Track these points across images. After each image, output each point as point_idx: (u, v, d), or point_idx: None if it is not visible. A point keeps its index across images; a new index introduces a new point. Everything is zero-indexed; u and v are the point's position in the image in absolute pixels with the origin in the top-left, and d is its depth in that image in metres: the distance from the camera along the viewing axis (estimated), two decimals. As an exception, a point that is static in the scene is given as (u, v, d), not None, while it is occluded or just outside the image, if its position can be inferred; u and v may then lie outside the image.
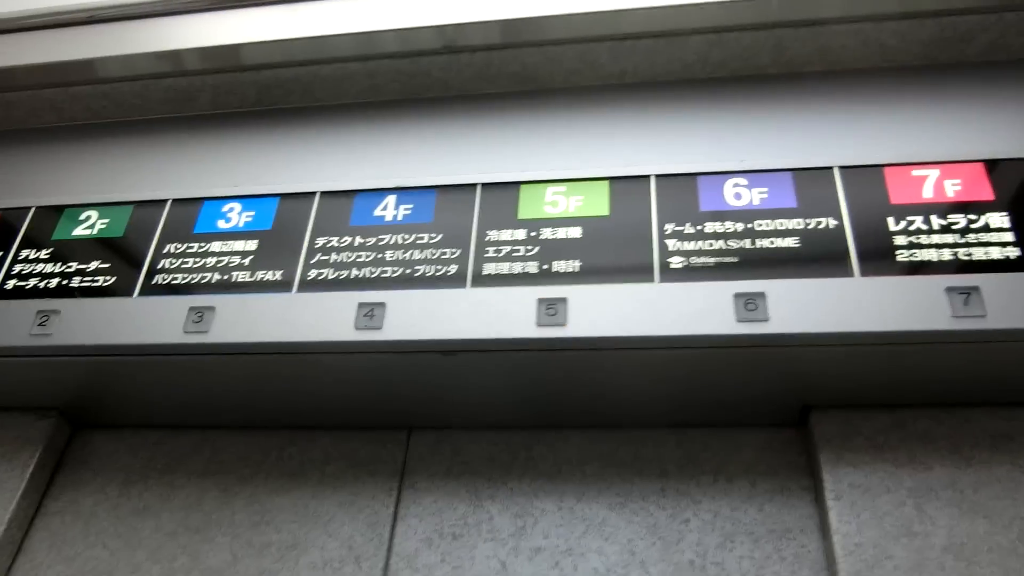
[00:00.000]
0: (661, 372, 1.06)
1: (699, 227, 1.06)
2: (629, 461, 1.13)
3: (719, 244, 1.04)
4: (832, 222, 1.04)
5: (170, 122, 1.42)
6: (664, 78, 1.30)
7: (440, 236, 1.11)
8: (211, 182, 1.27)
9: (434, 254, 1.10)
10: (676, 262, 1.04)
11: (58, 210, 1.27)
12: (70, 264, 1.21)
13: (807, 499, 1.06)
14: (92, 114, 1.46)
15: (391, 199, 1.17)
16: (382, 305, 1.06)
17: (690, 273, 1.02)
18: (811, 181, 1.08)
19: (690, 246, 1.05)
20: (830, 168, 1.08)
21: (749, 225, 1.05)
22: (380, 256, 1.11)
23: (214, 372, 1.13)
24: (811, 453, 1.08)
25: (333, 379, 1.13)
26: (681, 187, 1.10)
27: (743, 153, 1.14)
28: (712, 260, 1.03)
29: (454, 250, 1.10)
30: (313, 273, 1.11)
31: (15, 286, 1.20)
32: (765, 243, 1.04)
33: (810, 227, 1.04)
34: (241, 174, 1.27)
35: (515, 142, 1.23)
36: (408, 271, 1.09)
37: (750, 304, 0.98)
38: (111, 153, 1.39)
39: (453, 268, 1.08)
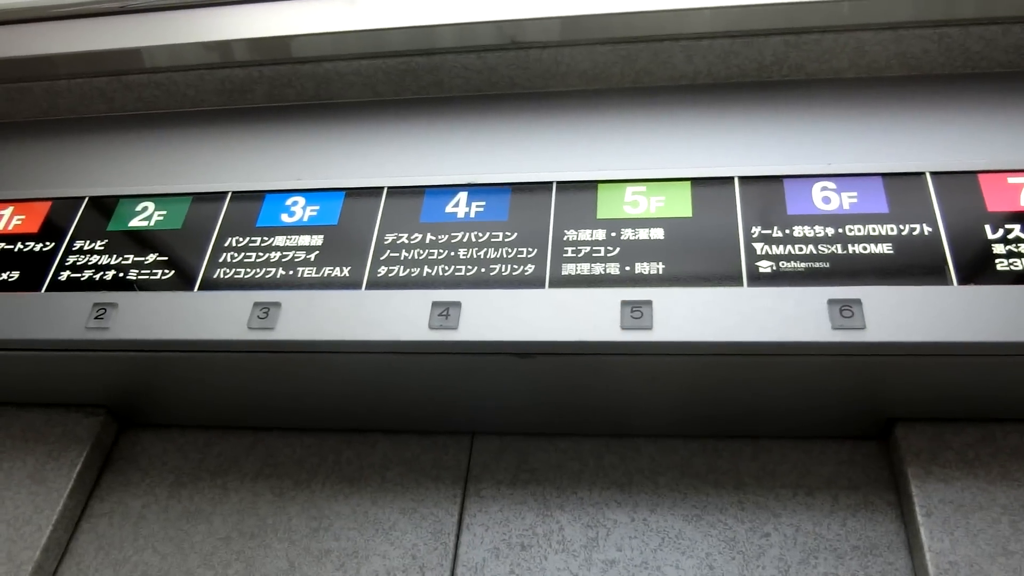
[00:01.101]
0: (744, 380, 1.02)
1: (787, 231, 1.02)
2: (703, 472, 1.09)
3: (809, 249, 1.01)
4: (927, 228, 1.00)
5: (225, 114, 1.39)
6: (738, 79, 1.27)
7: (515, 235, 1.08)
8: (272, 175, 1.23)
9: (510, 253, 1.06)
10: (765, 266, 1.00)
11: (113, 201, 1.23)
12: (126, 256, 1.17)
13: (892, 515, 1.02)
14: (143, 104, 1.43)
15: (462, 196, 1.13)
16: (457, 304, 1.02)
17: (780, 278, 0.99)
18: (902, 186, 1.04)
19: (779, 250, 1.01)
20: (922, 174, 1.04)
21: (840, 230, 1.02)
22: (453, 254, 1.07)
23: (276, 370, 1.09)
24: (896, 467, 1.04)
25: (399, 380, 1.09)
26: (766, 190, 1.06)
27: (828, 156, 1.10)
28: (803, 265, 1.00)
29: (531, 249, 1.06)
30: (383, 270, 1.07)
31: (69, 278, 1.16)
32: (857, 249, 1.00)
33: (903, 233, 1.01)
34: (302, 168, 1.24)
35: (587, 140, 1.20)
36: (483, 270, 1.05)
37: (846, 311, 0.95)
38: (165, 144, 1.36)
39: (530, 268, 1.04)
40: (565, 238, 1.06)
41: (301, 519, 1.12)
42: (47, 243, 1.20)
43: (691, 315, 0.98)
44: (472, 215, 1.11)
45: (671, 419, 1.10)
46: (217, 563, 1.10)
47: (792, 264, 1.00)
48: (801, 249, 1.01)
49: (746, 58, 1.24)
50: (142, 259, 1.16)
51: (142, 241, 1.18)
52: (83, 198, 1.25)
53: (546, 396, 1.09)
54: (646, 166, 1.14)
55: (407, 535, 1.08)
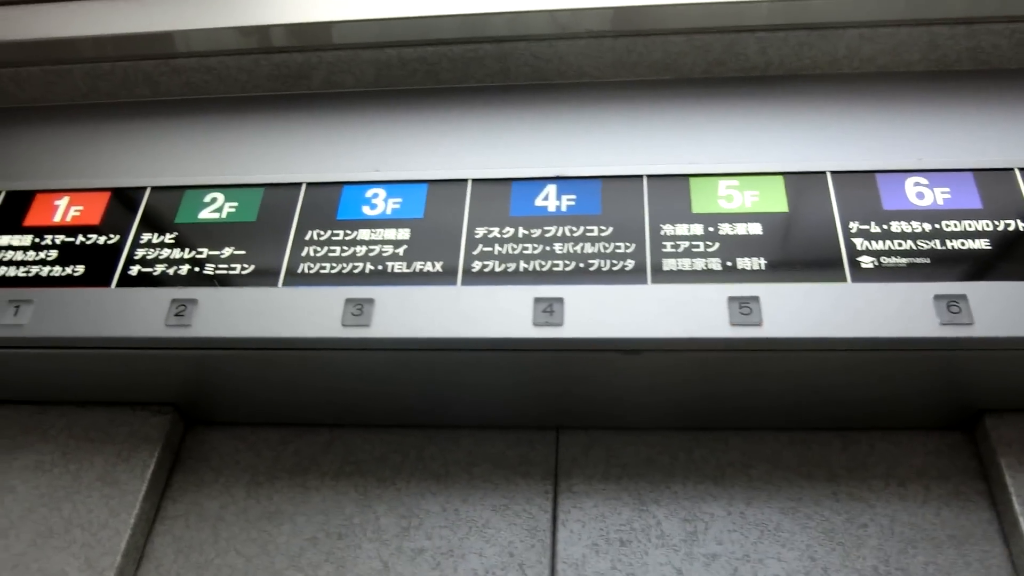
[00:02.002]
0: (841, 374, 1.03)
1: (885, 226, 1.03)
2: (795, 465, 1.10)
3: (908, 244, 1.02)
4: (1021, 224, 1.01)
5: (279, 100, 1.34)
6: (809, 71, 1.26)
7: (611, 229, 1.07)
8: (345, 165, 1.20)
9: (607, 248, 1.05)
10: (866, 262, 1.01)
11: (177, 192, 1.19)
12: (200, 250, 1.13)
13: (984, 504, 1.05)
14: (191, 89, 1.38)
15: (551, 189, 1.11)
16: (560, 301, 1.01)
17: (883, 273, 1.00)
18: (993, 182, 1.06)
19: (878, 245, 1.02)
20: (1011, 170, 1.06)
21: (936, 225, 1.03)
22: (548, 249, 1.06)
23: (367, 368, 1.07)
24: (986, 457, 1.06)
25: (491, 376, 1.08)
26: (860, 184, 1.07)
27: (914, 151, 1.11)
28: (903, 260, 1.01)
29: (628, 244, 1.05)
30: (477, 265, 1.06)
31: (140, 272, 1.12)
32: (955, 244, 1.01)
33: (999, 229, 1.02)
34: (375, 158, 1.21)
35: (673, 131, 1.18)
36: (581, 265, 1.04)
37: (953, 306, 0.96)
38: (219, 131, 1.31)
39: (630, 263, 1.04)
40: (662, 232, 1.06)
41: (390, 518, 1.11)
42: (111, 235, 1.16)
43: (799, 311, 0.98)
44: (564, 209, 1.09)
45: (761, 412, 1.11)
46: (306, 565, 1.08)
47: (894, 259, 1.01)
48: (900, 244, 1.02)
49: (820, 50, 1.24)
50: (217, 253, 1.12)
51: (215, 234, 1.14)
52: (144, 188, 1.20)
53: (639, 391, 1.09)
54: (730, 159, 1.14)
55: (502, 532, 1.08)
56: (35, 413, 1.22)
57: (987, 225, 1.03)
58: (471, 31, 1.28)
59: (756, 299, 0.99)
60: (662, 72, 1.28)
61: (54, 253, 1.16)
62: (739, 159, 1.13)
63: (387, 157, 1.20)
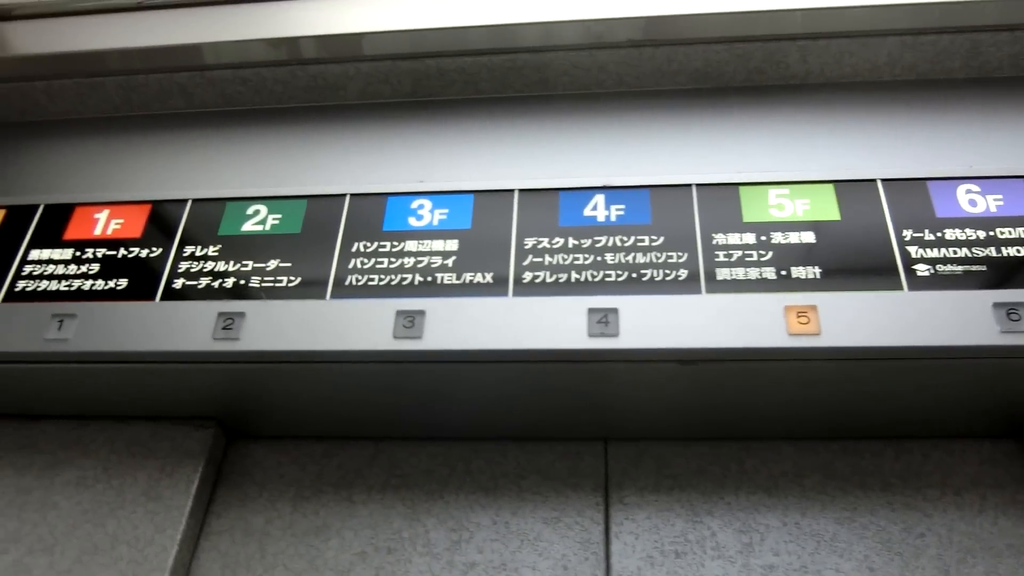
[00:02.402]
0: (898, 382, 1.02)
1: (939, 234, 1.03)
2: (848, 474, 1.09)
3: (963, 252, 1.01)
4: (1076, 231, 1.01)
5: (316, 111, 1.34)
6: (849, 79, 1.26)
7: (662, 239, 1.06)
8: (388, 177, 1.19)
9: (659, 257, 1.05)
10: (922, 270, 1.00)
11: (219, 204, 1.18)
12: (245, 262, 1.12)
13: (1040, 513, 1.04)
14: (225, 100, 1.37)
15: (599, 199, 1.11)
16: (615, 311, 1.00)
17: (939, 281, 0.99)
18: (1045, 188, 1.05)
19: (933, 253, 1.01)
20: (1062, 176, 1.06)
21: (991, 233, 1.03)
22: (600, 259, 1.05)
23: (418, 380, 1.06)
24: (1041, 465, 1.05)
25: (542, 388, 1.07)
26: (911, 192, 1.07)
27: (966, 159, 1.11)
28: (959, 268, 1.00)
29: (680, 253, 1.05)
30: (528, 276, 1.05)
31: (185, 285, 1.11)
32: (1011, 251, 1.01)
33: (1054, 235, 1.01)
34: (418, 168, 1.20)
35: (718, 140, 1.18)
36: (634, 275, 1.04)
37: (1012, 314, 0.96)
38: (257, 143, 1.31)
39: (683, 272, 1.03)
40: (714, 242, 1.05)
41: (439, 531, 1.09)
42: (154, 248, 1.15)
43: (857, 320, 0.97)
44: (613, 218, 1.09)
45: (813, 421, 1.10)
46: (356, 579, 1.06)
47: (949, 267, 1.00)
48: (955, 252, 1.01)
49: (861, 58, 1.24)
50: (263, 265, 1.11)
51: (259, 246, 1.13)
52: (186, 201, 1.19)
53: (689, 401, 1.08)
54: (778, 168, 1.13)
55: (554, 545, 1.07)
56: (74, 428, 1.21)
57: (1041, 232, 1.02)
58: (507, 42, 1.27)
59: (814, 308, 0.98)
60: (702, 81, 1.28)
61: (96, 267, 1.15)
62: (787, 167, 1.13)
63: (431, 168, 1.19)
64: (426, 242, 1.10)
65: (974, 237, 1.03)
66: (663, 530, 1.06)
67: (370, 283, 1.07)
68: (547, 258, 1.06)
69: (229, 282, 1.10)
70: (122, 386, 1.13)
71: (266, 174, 1.23)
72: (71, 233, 1.18)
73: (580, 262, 1.05)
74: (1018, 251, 1.01)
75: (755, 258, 1.03)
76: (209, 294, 1.09)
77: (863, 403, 1.07)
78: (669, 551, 1.05)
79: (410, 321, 1.03)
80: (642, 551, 1.05)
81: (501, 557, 1.06)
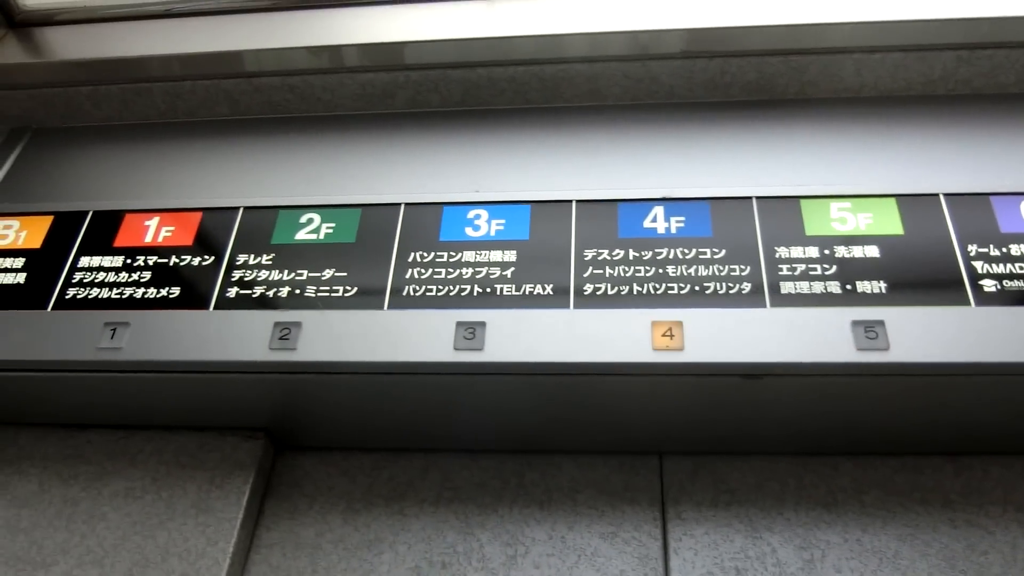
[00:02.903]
0: (965, 398, 1.01)
1: (1004, 249, 1.02)
2: (908, 490, 1.08)
3: (1029, 267, 1.00)
4: None
5: (364, 119, 1.33)
6: (903, 92, 1.26)
7: (724, 251, 1.05)
8: (443, 186, 1.18)
9: (721, 271, 1.04)
10: (989, 285, 0.99)
11: (271, 212, 1.17)
12: (299, 272, 1.11)
13: (1104, 531, 1.03)
14: (271, 107, 1.36)
15: (659, 210, 1.10)
16: (679, 324, 0.99)
17: (1007, 296, 0.99)
18: (1109, 204, 1.04)
19: (999, 269, 1.01)
20: None
21: (1057, 248, 1.02)
22: (662, 272, 1.04)
23: (477, 392, 1.05)
24: (1104, 483, 1.04)
25: (604, 401, 1.06)
26: (974, 206, 1.06)
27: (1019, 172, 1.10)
28: (1026, 284, 0.99)
29: (743, 267, 1.04)
30: (589, 288, 1.04)
31: (238, 294, 1.10)
32: (1078, 267, 1.00)
33: (1120, 252, 1.01)
34: (473, 178, 1.19)
35: (775, 152, 1.17)
36: (697, 288, 1.03)
37: (1083, 331, 0.94)
38: (305, 151, 1.30)
39: (747, 286, 1.02)
40: (777, 255, 1.04)
41: (494, 546, 1.08)
42: (206, 257, 1.14)
43: (925, 335, 0.96)
44: (673, 231, 1.08)
45: (871, 437, 1.09)
46: (411, 594, 1.05)
47: (1016, 283, 1.00)
48: (1021, 268, 1.00)
49: (916, 72, 1.23)
50: (318, 275, 1.10)
51: (314, 256, 1.12)
52: (237, 209, 1.18)
53: (748, 416, 1.07)
54: (837, 181, 1.13)
55: (612, 561, 1.05)
56: (120, 438, 1.19)
57: (1108, 248, 1.01)
58: (555, 52, 1.27)
59: (881, 323, 0.97)
60: (755, 93, 1.27)
61: (147, 275, 1.13)
62: (846, 181, 1.12)
63: (485, 178, 1.19)
64: (484, 253, 1.09)
65: (1040, 253, 1.02)
66: (722, 546, 1.05)
67: (428, 294, 1.06)
68: (607, 270, 1.05)
69: (284, 291, 1.09)
70: (171, 396, 1.12)
71: (316, 182, 1.23)
72: (121, 240, 1.17)
73: (642, 274, 1.04)
74: (1085, 267, 1.00)
75: (819, 272, 1.02)
76: (264, 303, 1.08)
77: (924, 418, 1.06)
78: (730, 567, 1.03)
79: (471, 332, 1.02)
80: (702, 567, 1.04)
81: (558, 572, 1.05)
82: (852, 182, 1.12)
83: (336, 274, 1.10)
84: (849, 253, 1.04)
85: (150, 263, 1.15)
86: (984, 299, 0.98)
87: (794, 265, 1.03)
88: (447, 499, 1.13)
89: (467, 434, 1.15)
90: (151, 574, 1.06)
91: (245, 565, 1.10)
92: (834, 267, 1.03)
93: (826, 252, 1.04)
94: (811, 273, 1.02)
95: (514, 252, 1.08)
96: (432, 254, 1.10)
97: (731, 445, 1.12)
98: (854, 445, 1.10)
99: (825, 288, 1.01)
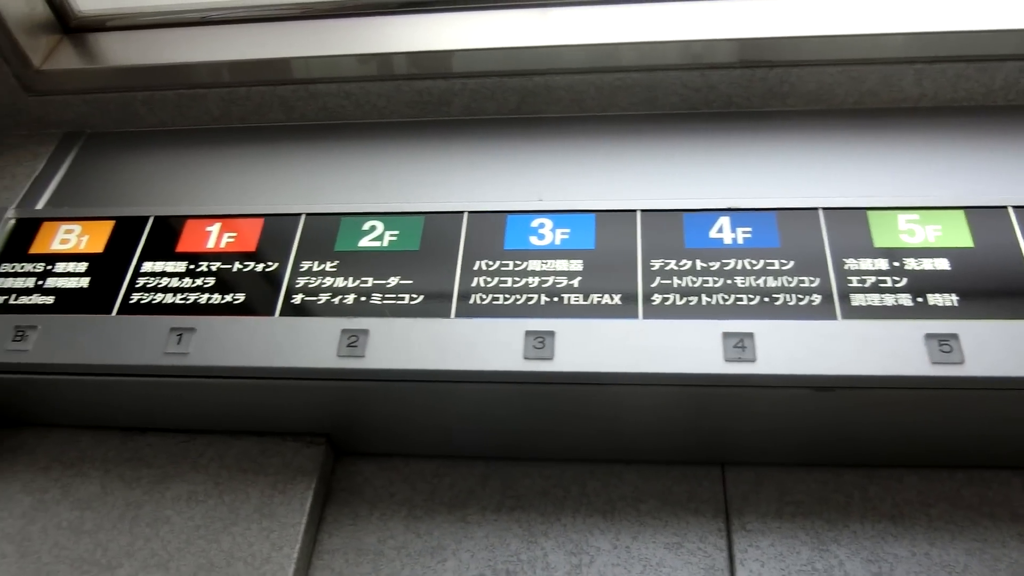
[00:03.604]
0: (1034, 412, 1.01)
1: (1076, 262, 1.01)
2: (976, 504, 1.07)
3: (1102, 281, 1.00)
4: None
5: (420, 126, 1.33)
6: (964, 103, 1.25)
7: (792, 263, 1.05)
8: (506, 194, 1.19)
9: (790, 282, 1.04)
10: (1062, 299, 0.99)
11: (333, 219, 1.17)
12: (365, 279, 1.11)
13: None
14: (326, 114, 1.37)
15: (725, 221, 1.10)
16: (750, 336, 0.99)
17: (1081, 310, 0.97)
18: None
19: (1073, 282, 1.00)
20: None
21: None
22: (730, 282, 1.04)
23: (544, 401, 1.05)
24: None
25: (670, 411, 1.05)
26: (1044, 219, 1.05)
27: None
28: (1100, 298, 0.98)
29: (812, 278, 1.03)
30: (657, 299, 1.04)
31: (304, 300, 1.10)
32: None
33: None
34: (536, 187, 1.19)
35: (840, 162, 1.17)
36: (766, 300, 1.02)
37: None
38: (364, 158, 1.30)
39: (816, 298, 1.02)
40: (846, 267, 1.04)
41: (558, 554, 1.08)
42: (270, 263, 1.14)
43: (1000, 349, 0.96)
44: (740, 241, 1.08)
45: (938, 449, 1.08)
46: (476, 602, 1.05)
47: (1090, 297, 0.99)
48: (1094, 281, 1.00)
49: (976, 82, 1.23)
50: (383, 282, 1.10)
51: (379, 263, 1.12)
52: (299, 215, 1.18)
53: (815, 427, 1.07)
54: (902, 192, 1.13)
55: (678, 571, 1.05)
56: (181, 442, 1.20)
57: None
58: (607, 60, 1.27)
59: (955, 336, 0.97)
60: (813, 102, 1.27)
61: (211, 280, 1.14)
62: (912, 192, 1.12)
63: (547, 186, 1.19)
64: (550, 262, 1.09)
65: (1112, 266, 1.01)
66: (789, 558, 1.05)
67: (495, 302, 1.06)
68: (675, 280, 1.05)
69: (350, 298, 1.09)
70: (235, 401, 1.13)
71: (376, 189, 1.23)
72: (183, 246, 1.18)
73: (710, 285, 1.04)
74: None
75: (889, 284, 1.02)
76: (330, 310, 1.08)
77: (992, 431, 1.05)
78: (796, 579, 1.03)
79: (540, 342, 1.02)
80: (768, 579, 1.03)
81: (624, 582, 1.05)
82: (918, 194, 1.11)
83: (401, 281, 1.10)
84: (919, 265, 1.03)
85: (213, 269, 1.15)
86: (1058, 313, 0.98)
87: (864, 277, 1.03)
88: (509, 507, 1.13)
89: (529, 442, 1.15)
90: (216, 579, 1.06)
91: (308, 570, 1.10)
92: (904, 279, 1.02)
93: (895, 264, 1.04)
94: (881, 285, 1.02)
95: (580, 261, 1.08)
96: (498, 262, 1.10)
97: (794, 456, 1.12)
98: (920, 458, 1.10)
99: (896, 300, 1.01)
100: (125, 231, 1.20)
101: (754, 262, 1.06)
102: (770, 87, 1.26)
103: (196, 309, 1.11)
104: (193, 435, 1.20)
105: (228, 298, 1.11)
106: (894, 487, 1.10)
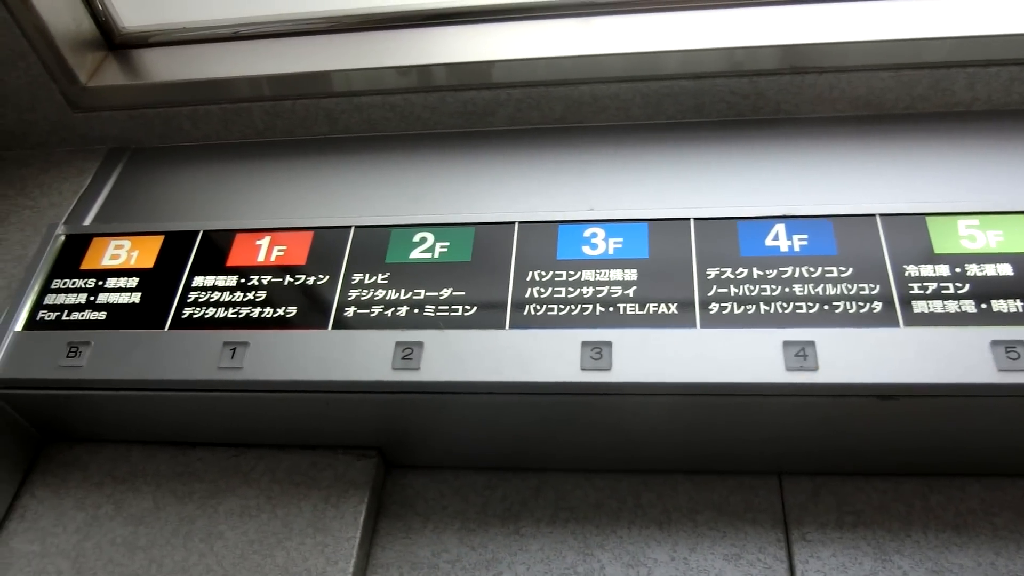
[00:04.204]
0: (1101, 420, 0.99)
1: None
2: (1041, 513, 1.05)
3: None
4: None
5: (464, 137, 1.33)
6: (1016, 107, 1.24)
7: (851, 270, 1.04)
8: (556, 204, 1.18)
9: (850, 289, 1.02)
10: None
11: (383, 231, 1.17)
12: (417, 291, 1.10)
13: None
14: (370, 126, 1.37)
15: (780, 228, 1.09)
16: (811, 344, 0.98)
17: None
18: None
19: None
20: None
21: None
22: (788, 290, 1.03)
23: (602, 413, 1.04)
24: None
25: (725, 421, 1.04)
26: (1108, 223, 1.03)
27: None
28: None
29: (872, 285, 1.02)
30: (714, 308, 1.03)
31: (356, 313, 1.10)
32: None
33: None
34: (586, 196, 1.19)
35: (894, 168, 1.16)
36: (826, 308, 1.01)
37: None
38: (411, 169, 1.30)
39: (877, 305, 1.00)
40: (906, 273, 1.02)
41: (615, 567, 1.07)
42: (321, 276, 1.14)
43: (1068, 355, 0.94)
44: (797, 249, 1.07)
45: (1000, 458, 1.07)
46: (534, 616, 1.04)
47: None
48: None
49: (1031, 85, 1.21)
50: (436, 294, 1.10)
51: (430, 274, 1.12)
52: (349, 227, 1.18)
53: (874, 436, 1.05)
54: (957, 198, 1.11)
55: (738, 584, 1.03)
56: (231, 456, 1.20)
57: None
58: (652, 69, 1.26)
59: (1022, 343, 0.95)
60: (862, 108, 1.26)
61: (263, 294, 1.14)
62: (970, 197, 1.10)
63: (597, 195, 1.18)
64: (604, 272, 1.08)
65: None
66: (851, 568, 1.03)
67: (550, 313, 1.05)
68: (732, 289, 1.04)
69: (402, 311, 1.09)
70: (286, 415, 1.12)
71: (425, 200, 1.23)
72: (234, 260, 1.18)
73: (768, 293, 1.03)
74: None
75: (952, 291, 1.01)
76: (383, 323, 1.08)
77: (1056, 440, 1.03)
78: (860, 591, 1.01)
79: (598, 353, 1.01)
80: (831, 591, 1.02)
81: (684, 595, 1.04)
82: (976, 199, 1.10)
83: (454, 293, 1.09)
84: (981, 271, 1.02)
85: (264, 282, 1.15)
86: None
87: (925, 284, 1.02)
88: (563, 519, 1.12)
89: (582, 453, 1.14)
90: (272, 594, 1.05)
91: (363, 586, 1.10)
92: (967, 286, 1.01)
93: (957, 270, 1.02)
94: (943, 292, 1.01)
95: (635, 271, 1.08)
96: (551, 273, 1.09)
97: (852, 465, 1.11)
98: (982, 466, 1.08)
99: (959, 307, 0.99)
100: (175, 246, 1.20)
101: (812, 270, 1.05)
102: (819, 93, 1.25)
103: (248, 323, 1.11)
104: (242, 449, 1.19)
105: (280, 311, 1.11)
106: (956, 496, 1.08)
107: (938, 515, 1.07)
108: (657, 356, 1.00)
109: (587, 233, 1.12)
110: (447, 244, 1.14)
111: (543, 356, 1.02)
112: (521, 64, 1.28)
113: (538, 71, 1.28)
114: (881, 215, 1.08)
